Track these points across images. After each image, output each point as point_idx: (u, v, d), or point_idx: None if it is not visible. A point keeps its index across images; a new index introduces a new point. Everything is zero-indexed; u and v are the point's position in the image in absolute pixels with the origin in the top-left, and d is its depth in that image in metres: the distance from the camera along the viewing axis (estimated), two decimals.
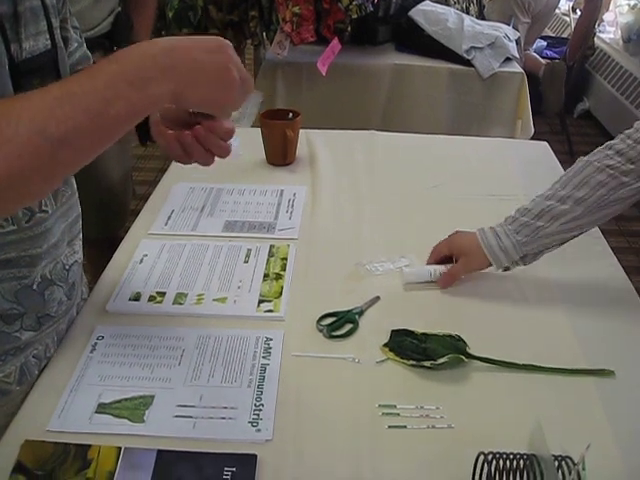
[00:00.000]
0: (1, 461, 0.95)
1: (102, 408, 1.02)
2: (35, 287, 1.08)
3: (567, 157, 4.02)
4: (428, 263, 1.37)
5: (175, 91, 0.83)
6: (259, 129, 1.80)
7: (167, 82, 0.82)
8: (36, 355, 1.12)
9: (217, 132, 0.94)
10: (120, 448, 0.95)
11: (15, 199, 0.81)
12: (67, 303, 1.17)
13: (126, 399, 1.04)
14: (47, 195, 1.03)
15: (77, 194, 1.19)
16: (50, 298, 1.11)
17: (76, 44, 1.19)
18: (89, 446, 0.95)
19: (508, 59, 2.98)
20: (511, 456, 0.87)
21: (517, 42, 3.16)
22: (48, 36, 1.05)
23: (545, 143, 2.04)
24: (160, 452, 0.94)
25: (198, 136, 0.95)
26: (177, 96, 0.84)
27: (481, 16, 3.81)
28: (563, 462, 0.85)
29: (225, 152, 0.97)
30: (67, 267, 1.16)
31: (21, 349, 1.08)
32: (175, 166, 1.83)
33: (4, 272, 1.02)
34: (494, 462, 0.86)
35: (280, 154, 1.80)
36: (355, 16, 2.72)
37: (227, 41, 0.87)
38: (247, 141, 1.66)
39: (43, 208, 1.06)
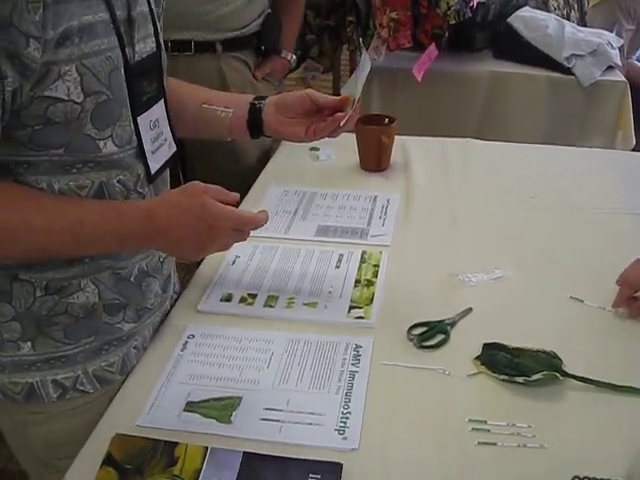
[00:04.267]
0: (93, 452, 0.97)
1: (190, 407, 1.03)
2: (132, 279, 1.12)
3: None
4: (616, 305, 1.25)
5: (153, 248, 1.13)
6: (353, 134, 1.79)
7: (147, 245, 1.10)
8: (136, 346, 1.16)
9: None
10: (207, 447, 0.95)
11: None
12: (162, 296, 1.22)
13: (214, 399, 1.05)
14: None
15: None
16: (147, 290, 1.16)
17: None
18: (176, 443, 0.96)
19: (610, 67, 2.88)
20: None
21: (620, 50, 3.05)
22: (154, 39, 1.10)
23: None
24: (246, 454, 0.94)
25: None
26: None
27: (582, 22, 3.70)
28: None
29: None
30: (162, 259, 1.20)
31: (124, 340, 1.13)
32: (269, 169, 1.84)
33: (102, 262, 1.07)
34: None
35: (374, 160, 1.79)
36: (453, 22, 2.68)
37: (210, 211, 1.02)
38: (341, 146, 1.66)
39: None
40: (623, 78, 2.88)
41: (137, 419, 1.02)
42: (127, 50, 1.01)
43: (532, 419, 1.01)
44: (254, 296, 1.28)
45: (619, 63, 2.95)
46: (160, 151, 1.14)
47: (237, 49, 2.06)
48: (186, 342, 1.17)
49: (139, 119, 1.06)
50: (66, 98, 0.92)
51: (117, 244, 1.02)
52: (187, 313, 1.26)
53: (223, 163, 1.95)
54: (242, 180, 1.74)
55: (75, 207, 0.99)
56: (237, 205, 1.08)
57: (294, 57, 2.28)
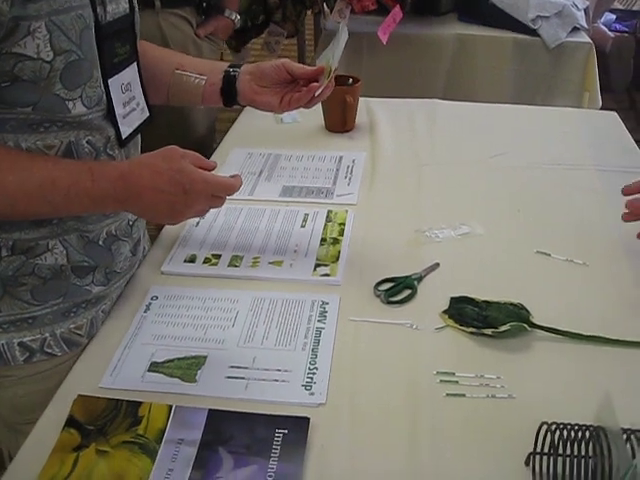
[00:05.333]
0: (55, 415, 0.95)
1: (154, 367, 1.02)
2: (101, 243, 1.11)
3: (636, 134, 3.87)
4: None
5: (127, 211, 1.11)
6: None
7: (121, 208, 1.07)
8: (104, 310, 1.14)
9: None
10: (171, 406, 0.94)
11: None
12: (132, 259, 1.20)
13: (179, 359, 1.03)
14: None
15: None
16: (117, 253, 1.14)
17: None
18: (140, 403, 0.94)
19: (576, 29, 2.87)
20: (576, 427, 0.83)
21: (586, 12, 3.04)
22: (127, 0, 1.08)
23: (614, 113, 1.96)
24: (211, 411, 0.93)
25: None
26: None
27: None
28: (632, 435, 0.81)
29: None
30: (131, 223, 1.18)
31: (92, 303, 1.12)
32: (233, 131, 1.81)
33: (70, 224, 1.05)
34: (557, 432, 0.83)
35: (339, 121, 1.77)
36: None
37: (187, 175, 1.00)
38: None
39: None
40: (589, 39, 2.86)
41: (100, 381, 1.00)
42: (98, 10, 0.99)
43: (500, 370, 1.01)
44: (218, 256, 1.26)
45: (584, 25, 2.94)
46: (132, 115, 1.12)
47: (177, 5, 2.02)
48: (149, 303, 1.15)
49: (110, 81, 1.04)
50: (35, 56, 0.90)
51: (91, 205, 0.99)
52: (151, 275, 1.23)
53: (170, 133, 1.91)
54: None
55: (48, 166, 0.97)
56: None
57: (238, 17, 2.24)
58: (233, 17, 2.21)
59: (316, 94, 1.23)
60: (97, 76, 1.01)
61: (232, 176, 1.08)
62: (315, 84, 1.22)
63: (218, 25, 2.16)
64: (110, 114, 1.06)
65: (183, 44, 2.01)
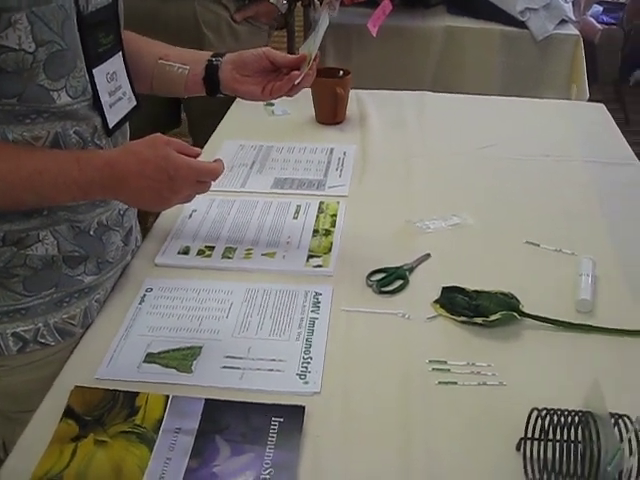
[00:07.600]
0: (52, 406, 0.96)
1: (150, 358, 1.03)
2: (92, 233, 1.12)
3: (623, 126, 3.89)
4: None
5: (115, 199, 1.12)
6: (309, 88, 1.77)
7: (109, 195, 1.07)
8: (98, 300, 1.15)
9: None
10: (168, 396, 0.95)
11: None
12: (124, 249, 1.21)
13: (174, 349, 1.04)
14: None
15: None
16: (108, 242, 1.15)
17: None
18: (137, 393, 0.95)
19: (563, 21, 2.89)
20: (565, 412, 0.85)
21: (574, 4, 3.05)
22: None
23: (602, 105, 1.98)
24: (208, 401, 0.94)
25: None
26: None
27: None
28: (620, 420, 0.82)
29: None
30: (122, 212, 1.19)
31: (85, 293, 1.12)
32: (225, 124, 1.82)
33: (61, 214, 1.06)
34: (548, 417, 0.84)
35: (330, 112, 1.78)
36: None
37: (172, 162, 1.01)
38: (297, 101, 1.62)
39: None
40: (576, 32, 2.88)
41: (96, 372, 1.01)
42: (80, 0, 1.00)
43: (491, 358, 1.03)
44: (212, 248, 1.27)
45: (572, 17, 2.95)
46: (119, 104, 1.13)
47: None
48: (144, 295, 1.16)
49: (95, 71, 1.05)
50: (17, 47, 0.91)
51: (79, 193, 1.01)
52: (145, 267, 1.24)
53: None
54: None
55: (35, 157, 0.98)
56: None
57: (284, 2, 2.18)
58: (276, 2, 2.16)
59: (296, 82, 1.24)
60: (81, 66, 1.02)
61: (214, 161, 1.09)
62: (296, 72, 1.23)
63: (258, 10, 2.11)
64: (96, 103, 1.07)
65: (217, 27, 1.99)
